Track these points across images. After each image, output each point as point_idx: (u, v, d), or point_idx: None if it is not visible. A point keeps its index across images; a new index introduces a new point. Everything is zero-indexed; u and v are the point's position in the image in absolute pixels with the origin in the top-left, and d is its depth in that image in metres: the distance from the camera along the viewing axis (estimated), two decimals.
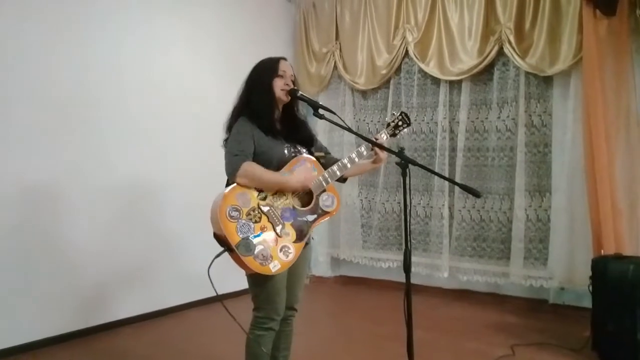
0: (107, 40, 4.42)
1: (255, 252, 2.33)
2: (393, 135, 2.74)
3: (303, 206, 2.52)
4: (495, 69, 4.93)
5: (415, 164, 2.39)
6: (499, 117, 4.96)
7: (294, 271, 2.60)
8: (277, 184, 2.43)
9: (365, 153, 2.62)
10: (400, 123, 2.75)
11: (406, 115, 2.77)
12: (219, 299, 2.45)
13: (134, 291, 4.59)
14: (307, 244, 2.64)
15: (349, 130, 2.65)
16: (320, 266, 6.09)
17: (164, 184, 4.81)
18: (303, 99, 2.56)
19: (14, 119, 3.86)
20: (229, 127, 2.54)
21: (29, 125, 3.94)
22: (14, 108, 3.86)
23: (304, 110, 2.77)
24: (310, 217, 2.52)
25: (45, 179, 4.03)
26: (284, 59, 2.63)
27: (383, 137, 2.70)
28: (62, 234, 4.13)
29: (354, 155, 2.60)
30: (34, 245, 3.96)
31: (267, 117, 2.53)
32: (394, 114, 2.77)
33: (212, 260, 2.34)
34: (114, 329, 4.37)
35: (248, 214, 2.37)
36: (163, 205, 4.82)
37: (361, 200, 5.90)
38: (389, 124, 2.75)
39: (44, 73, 4.03)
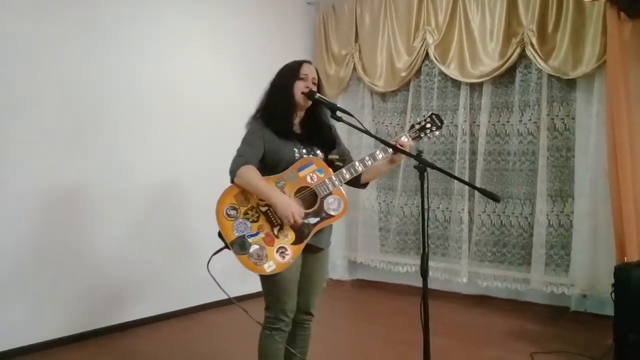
0: (127, 43, 4.44)
1: (250, 251, 2.36)
2: (418, 137, 2.60)
3: (307, 208, 2.47)
4: (517, 71, 4.86)
5: (433, 167, 2.34)
6: (520, 121, 4.89)
7: (309, 277, 2.59)
8: (265, 196, 2.38)
9: (380, 156, 2.53)
10: (428, 125, 2.59)
11: (437, 116, 2.62)
12: (228, 297, 2.49)
13: (150, 292, 4.61)
14: (322, 249, 2.62)
15: (367, 133, 2.59)
16: (338, 269, 6.06)
17: (182, 187, 4.82)
18: (320, 100, 2.53)
19: (32, 124, 3.89)
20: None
21: (47, 130, 3.97)
22: (32, 113, 3.89)
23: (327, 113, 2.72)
24: (313, 220, 2.47)
25: (63, 183, 4.07)
26: (308, 62, 2.63)
27: (403, 140, 2.57)
28: (80, 237, 4.17)
29: (367, 159, 2.52)
30: (53, 247, 4.00)
31: (283, 119, 2.52)
32: (424, 115, 2.68)
33: (210, 257, 2.40)
34: (129, 330, 4.40)
35: (246, 214, 2.40)
36: (181, 208, 4.84)
37: (379, 203, 5.85)
38: (412, 126, 2.63)
39: (61, 77, 4.05)
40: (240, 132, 2.59)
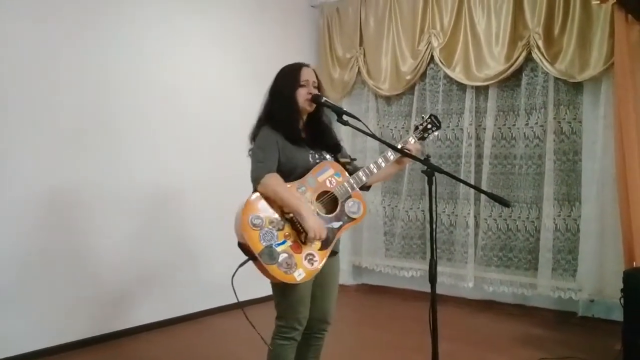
0: (127, 43, 4.42)
1: (279, 260, 2.30)
2: (422, 138, 2.68)
3: (328, 213, 2.46)
4: (523, 74, 4.82)
5: (442, 172, 2.33)
6: (526, 124, 4.85)
7: (323, 283, 2.57)
8: (290, 207, 2.34)
9: (392, 157, 2.57)
10: (429, 126, 2.69)
11: (435, 117, 2.72)
12: (240, 306, 2.45)
13: (155, 297, 4.59)
14: (335, 253, 2.59)
15: (374, 137, 2.61)
16: (342, 274, 5.92)
17: (186, 190, 4.80)
18: (327, 105, 2.52)
19: (32, 125, 3.87)
20: (254, 137, 2.52)
21: (48, 131, 3.95)
22: (32, 114, 3.87)
23: (329, 116, 2.72)
24: (336, 224, 2.47)
25: (66, 186, 4.05)
26: (307, 65, 2.59)
27: (411, 141, 2.63)
28: (84, 240, 4.15)
29: (380, 161, 2.55)
30: (56, 251, 3.98)
31: (291, 126, 2.50)
32: (422, 117, 2.73)
33: (236, 270, 2.32)
34: (135, 334, 4.38)
35: (271, 222, 2.34)
36: (185, 212, 4.81)
37: (384, 207, 5.82)
38: (417, 127, 2.70)
39: (61, 78, 4.03)
40: (243, 133, 2.57)
